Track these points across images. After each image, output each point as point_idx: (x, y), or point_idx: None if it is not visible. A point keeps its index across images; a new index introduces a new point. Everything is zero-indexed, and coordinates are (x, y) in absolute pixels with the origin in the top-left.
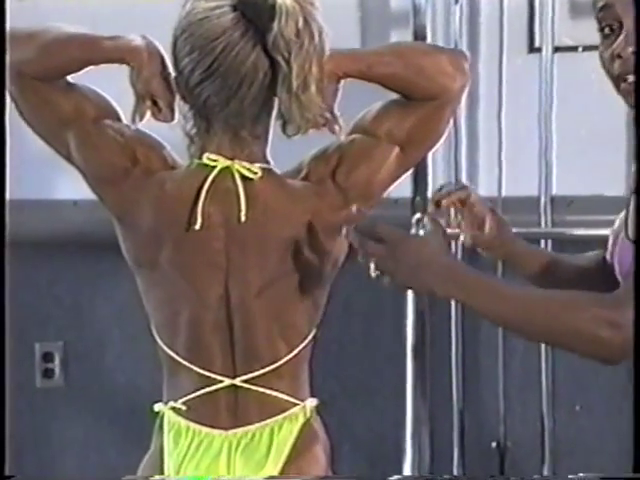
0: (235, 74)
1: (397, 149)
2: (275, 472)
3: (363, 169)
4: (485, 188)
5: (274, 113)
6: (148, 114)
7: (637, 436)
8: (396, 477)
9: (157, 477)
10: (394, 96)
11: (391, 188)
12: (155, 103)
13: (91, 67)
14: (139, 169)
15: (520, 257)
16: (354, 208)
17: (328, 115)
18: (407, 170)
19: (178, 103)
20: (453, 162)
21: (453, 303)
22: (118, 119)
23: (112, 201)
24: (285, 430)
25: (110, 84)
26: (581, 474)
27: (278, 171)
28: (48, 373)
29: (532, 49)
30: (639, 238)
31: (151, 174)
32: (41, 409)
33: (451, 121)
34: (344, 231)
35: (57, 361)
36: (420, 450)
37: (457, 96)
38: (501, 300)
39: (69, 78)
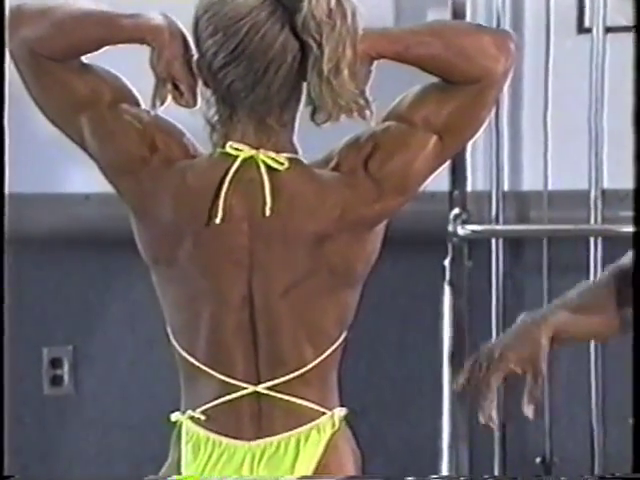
0: (262, 57)
1: (435, 138)
2: None
3: (398, 159)
4: (529, 181)
5: (303, 99)
6: (169, 99)
7: (637, 436)
8: (434, 477)
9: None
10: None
11: (428, 181)
12: (176, 87)
13: (108, 47)
14: (158, 158)
15: (583, 319)
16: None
17: (361, 101)
18: (445, 161)
19: (201, 87)
20: (494, 152)
21: (494, 307)
22: (136, 104)
23: (128, 192)
24: (312, 441)
25: (128, 66)
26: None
27: (306, 161)
28: (56, 380)
29: (582, 29)
30: (639, 238)
31: (170, 163)
32: (49, 419)
33: (493, 108)
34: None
35: (66, 367)
36: (458, 465)
37: (501, 79)
38: None
39: (84, 58)
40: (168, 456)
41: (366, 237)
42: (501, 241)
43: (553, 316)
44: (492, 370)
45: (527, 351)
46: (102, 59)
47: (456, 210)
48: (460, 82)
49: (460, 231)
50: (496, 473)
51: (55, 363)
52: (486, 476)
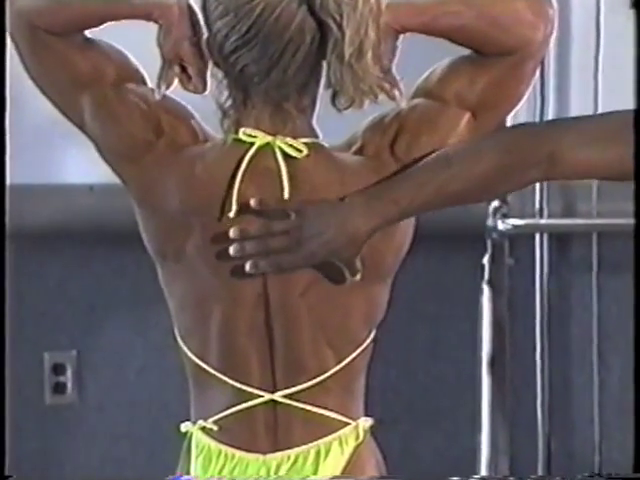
0: (277, 40)
1: (468, 115)
2: None
3: (427, 139)
4: None
5: (322, 81)
6: (175, 82)
7: (637, 436)
8: (477, 477)
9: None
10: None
11: None
12: (184, 70)
13: (112, 22)
14: (164, 142)
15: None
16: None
17: (387, 85)
18: None
19: (212, 70)
20: None
21: (538, 309)
22: (142, 83)
23: (131, 180)
24: (334, 454)
25: (133, 43)
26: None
27: (327, 145)
28: (59, 388)
29: (636, 3)
30: (639, 237)
31: (178, 149)
32: (51, 430)
33: (535, 83)
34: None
35: (69, 374)
36: None
37: (539, 50)
38: None
39: (87, 33)
40: (177, 470)
41: (395, 226)
42: (545, 237)
43: (383, 213)
44: (288, 264)
45: (330, 254)
46: (105, 36)
47: (496, 203)
48: (494, 54)
49: (500, 226)
50: None
51: (57, 369)
52: None
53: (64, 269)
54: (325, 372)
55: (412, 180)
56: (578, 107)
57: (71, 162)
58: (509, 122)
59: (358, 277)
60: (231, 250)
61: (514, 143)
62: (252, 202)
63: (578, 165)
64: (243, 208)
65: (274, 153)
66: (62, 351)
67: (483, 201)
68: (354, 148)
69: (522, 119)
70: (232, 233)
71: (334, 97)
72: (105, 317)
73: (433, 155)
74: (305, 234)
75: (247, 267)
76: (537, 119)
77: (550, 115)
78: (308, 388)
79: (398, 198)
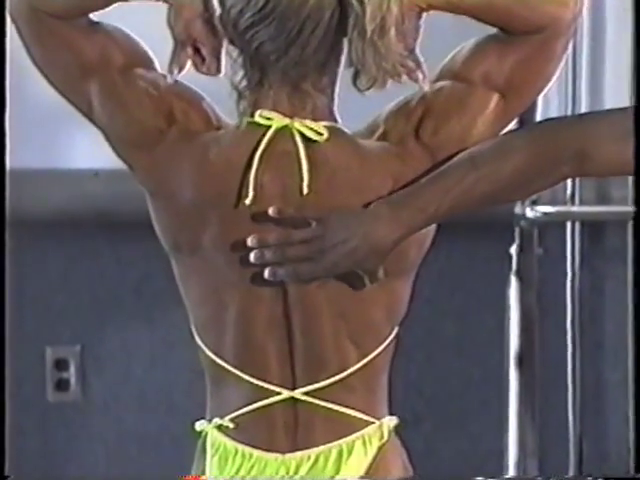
0: (295, 16)
1: (496, 96)
2: None
3: (454, 123)
4: None
5: (343, 59)
6: (188, 64)
7: (637, 436)
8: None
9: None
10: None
11: None
12: (197, 51)
13: (119, 3)
14: (177, 130)
15: None
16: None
17: (410, 63)
18: (509, 123)
19: (226, 48)
20: (570, 115)
21: (569, 302)
22: (152, 68)
23: (142, 170)
24: (356, 454)
25: (141, 26)
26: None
27: (348, 130)
28: (62, 385)
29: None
30: (639, 237)
31: (191, 136)
32: (54, 428)
33: (566, 60)
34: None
35: (72, 370)
36: None
37: (568, 27)
38: None
39: (93, 16)
40: (190, 472)
41: None
42: (577, 225)
43: (409, 204)
44: (308, 274)
45: (354, 264)
46: (112, 19)
47: None
48: (522, 32)
49: (529, 213)
50: None
51: (60, 365)
52: None
53: (67, 259)
54: (347, 369)
55: (437, 185)
56: (612, 87)
57: (75, 146)
58: (539, 103)
59: (381, 276)
60: (251, 257)
61: (542, 140)
62: (270, 211)
63: (610, 161)
64: (260, 195)
65: (292, 136)
66: (65, 346)
67: (512, 202)
68: (377, 134)
69: (553, 100)
70: (250, 241)
71: (355, 77)
72: (111, 310)
73: (457, 158)
74: (327, 243)
75: (265, 274)
76: (569, 100)
77: (583, 96)
78: (329, 385)
79: (424, 205)
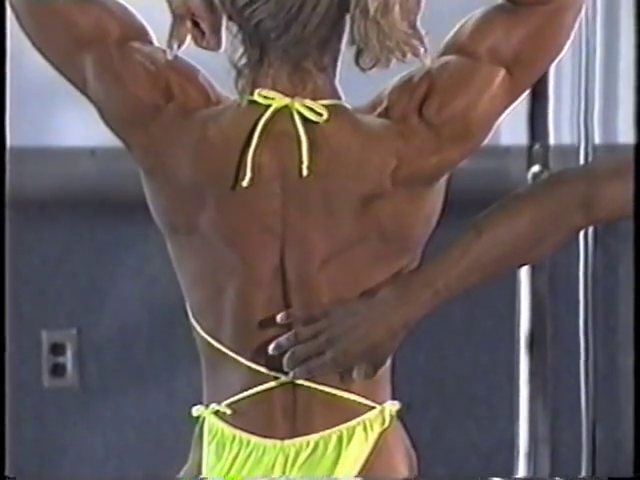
0: None
1: (503, 71)
2: None
3: (459, 100)
4: (625, 132)
5: (345, 37)
6: (188, 39)
7: (637, 436)
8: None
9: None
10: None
11: (503, 133)
12: (197, 25)
13: None
14: (174, 106)
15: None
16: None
17: (415, 41)
18: (516, 99)
19: (227, 24)
20: (583, 98)
21: (581, 284)
22: (149, 42)
23: (139, 148)
24: (357, 440)
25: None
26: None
27: (349, 107)
28: (58, 369)
29: None
30: (639, 236)
31: (188, 113)
32: (49, 415)
33: (579, 30)
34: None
35: (69, 354)
36: (537, 474)
37: None
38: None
39: None
40: (189, 456)
41: (423, 195)
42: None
43: (418, 300)
44: (318, 369)
45: (370, 354)
46: None
47: (536, 168)
48: (529, 2)
49: None
50: None
51: (56, 349)
52: None
53: (64, 240)
54: None
55: (442, 259)
56: (627, 58)
57: (71, 123)
58: (551, 73)
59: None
60: (270, 349)
61: (545, 194)
62: (278, 318)
63: (618, 204)
64: (258, 176)
65: (292, 116)
66: (61, 329)
67: (527, 263)
68: (379, 110)
69: (566, 70)
70: (271, 350)
71: (358, 55)
72: (108, 292)
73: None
74: (336, 332)
75: (270, 349)
76: (582, 70)
77: (597, 66)
78: None
79: (431, 280)
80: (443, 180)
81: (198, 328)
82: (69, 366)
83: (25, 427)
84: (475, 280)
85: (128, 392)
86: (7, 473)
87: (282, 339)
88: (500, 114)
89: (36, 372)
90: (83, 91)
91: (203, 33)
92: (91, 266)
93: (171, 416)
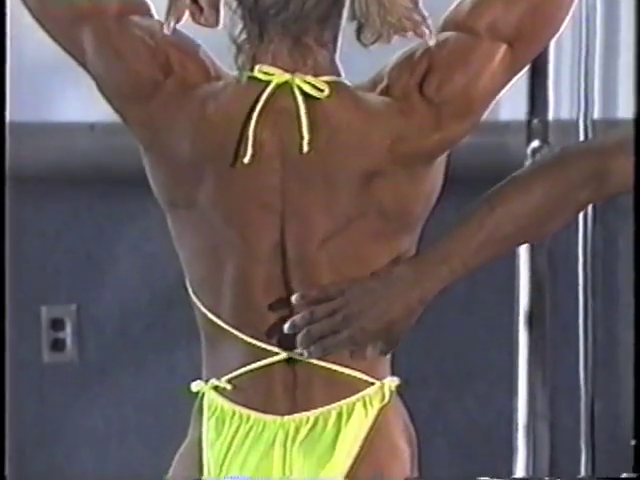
0: None
1: (504, 47)
2: (343, 469)
3: (459, 77)
4: (625, 107)
5: (345, 12)
6: (186, 15)
7: (637, 436)
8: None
9: None
10: None
11: (503, 109)
12: (195, 1)
13: None
14: (173, 81)
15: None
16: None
17: (416, 17)
18: (516, 74)
19: (225, 0)
20: (583, 73)
21: (581, 259)
22: (149, 15)
23: (138, 123)
24: (357, 416)
25: None
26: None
27: (350, 84)
28: (57, 345)
29: None
30: (639, 236)
31: (188, 89)
32: (49, 390)
33: (579, 9)
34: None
35: (69, 330)
36: (536, 448)
37: None
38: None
39: None
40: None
41: (424, 173)
42: None
43: (435, 276)
44: (333, 347)
45: (387, 331)
46: None
47: (535, 143)
48: None
49: None
50: (582, 458)
51: (56, 325)
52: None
53: (63, 215)
54: None
55: (457, 235)
56: (628, 30)
57: (70, 98)
58: (552, 51)
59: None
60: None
61: (557, 169)
62: (293, 299)
63: (628, 177)
64: (258, 152)
65: (293, 93)
66: (61, 305)
67: (539, 239)
68: (380, 87)
69: (566, 44)
70: (286, 329)
71: (359, 31)
72: (108, 268)
73: (472, 205)
74: (353, 310)
75: (285, 328)
76: (583, 44)
77: (597, 43)
78: None
79: (446, 257)
80: (443, 158)
81: (198, 304)
82: (68, 341)
83: (25, 402)
84: (489, 255)
85: (127, 367)
86: (7, 450)
87: (297, 318)
88: (500, 90)
89: (36, 347)
90: (83, 64)
91: (201, 9)
92: (90, 241)
93: (170, 391)
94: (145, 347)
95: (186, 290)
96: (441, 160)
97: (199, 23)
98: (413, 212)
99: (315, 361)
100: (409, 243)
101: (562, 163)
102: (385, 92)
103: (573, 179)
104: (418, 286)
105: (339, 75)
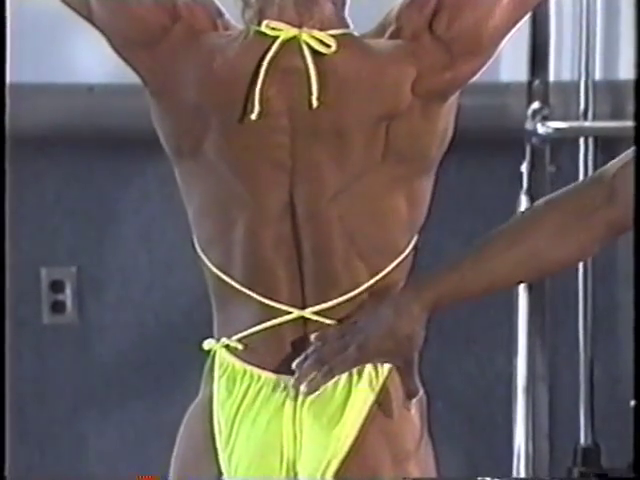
0: None
1: None
2: (353, 431)
3: (469, 14)
4: (626, 68)
5: None
6: None
7: (637, 436)
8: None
9: None
10: None
11: (503, 70)
12: None
13: None
14: (181, 27)
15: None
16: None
17: None
18: (526, 12)
19: None
20: (584, 32)
21: None
22: None
23: (146, 69)
24: (367, 377)
25: None
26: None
27: (357, 34)
28: (57, 307)
29: None
30: (639, 236)
31: (195, 35)
32: (49, 352)
33: None
34: None
35: (69, 291)
36: (535, 411)
37: None
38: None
39: None
40: (189, 395)
41: (437, 111)
42: (591, 141)
43: (432, 286)
44: (340, 364)
45: (394, 344)
46: None
47: (536, 104)
48: None
49: (540, 129)
50: (581, 420)
51: (56, 286)
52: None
53: (63, 178)
54: (358, 286)
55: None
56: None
57: (69, 59)
58: (553, 12)
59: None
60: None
61: (572, 196)
62: (313, 337)
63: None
64: (266, 108)
65: (300, 48)
66: (61, 267)
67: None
68: (389, 32)
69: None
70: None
71: None
72: (107, 230)
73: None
74: (358, 328)
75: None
76: (584, 10)
77: (598, 4)
78: (340, 304)
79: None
80: (454, 97)
81: (207, 261)
82: (68, 303)
83: (24, 363)
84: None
85: (127, 329)
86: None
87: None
88: (510, 28)
89: (35, 309)
90: (88, 18)
91: None
92: (90, 203)
93: (168, 353)
94: (143, 309)
95: (188, 251)
96: (453, 100)
97: None
98: (429, 153)
99: (326, 320)
100: (426, 188)
101: (576, 190)
102: (395, 35)
103: (586, 204)
104: (423, 298)
105: (347, 27)
